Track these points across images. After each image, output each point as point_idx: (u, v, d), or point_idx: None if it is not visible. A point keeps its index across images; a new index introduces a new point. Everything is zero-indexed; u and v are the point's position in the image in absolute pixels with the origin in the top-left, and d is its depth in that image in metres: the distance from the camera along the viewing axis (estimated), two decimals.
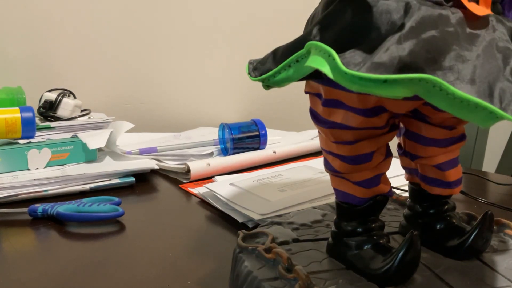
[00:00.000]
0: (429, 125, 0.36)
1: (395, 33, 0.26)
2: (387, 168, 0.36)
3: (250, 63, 0.34)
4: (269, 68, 0.31)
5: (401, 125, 0.38)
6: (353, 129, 0.33)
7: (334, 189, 0.37)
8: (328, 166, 0.36)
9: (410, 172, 0.40)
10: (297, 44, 0.30)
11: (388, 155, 0.36)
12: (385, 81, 0.23)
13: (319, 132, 0.36)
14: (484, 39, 0.27)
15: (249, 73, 0.33)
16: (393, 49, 0.25)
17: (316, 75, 0.28)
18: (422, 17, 0.26)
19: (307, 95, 0.36)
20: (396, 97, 0.24)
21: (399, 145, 0.40)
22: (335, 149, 0.35)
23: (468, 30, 0.27)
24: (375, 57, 0.25)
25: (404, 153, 0.39)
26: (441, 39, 0.26)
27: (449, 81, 0.25)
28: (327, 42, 0.27)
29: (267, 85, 0.32)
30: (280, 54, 0.31)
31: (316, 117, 0.35)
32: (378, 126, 0.33)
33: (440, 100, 0.24)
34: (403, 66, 0.24)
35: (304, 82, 0.35)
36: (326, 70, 0.25)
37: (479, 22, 0.28)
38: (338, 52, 0.25)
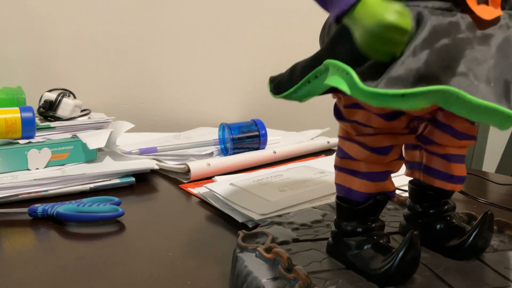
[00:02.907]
0: (453, 115, 0.36)
1: (409, 45, 0.26)
2: (397, 169, 0.36)
3: (271, 80, 0.34)
4: (290, 85, 0.32)
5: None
6: (374, 128, 0.34)
7: (337, 185, 0.37)
8: (342, 154, 0.36)
9: (412, 167, 0.40)
10: (315, 60, 0.30)
11: (401, 158, 0.36)
12: (403, 95, 0.24)
13: (339, 124, 0.37)
14: (498, 38, 0.28)
15: (271, 91, 0.34)
16: (408, 61, 0.25)
17: (336, 89, 0.29)
18: (433, 27, 0.27)
19: None
20: (415, 108, 0.24)
21: None
22: (356, 137, 0.35)
23: (480, 32, 0.28)
24: (391, 71, 0.25)
25: (418, 136, 0.39)
26: (454, 46, 0.26)
27: (465, 86, 0.25)
28: (343, 59, 0.27)
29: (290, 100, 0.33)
30: (299, 71, 0.32)
31: (338, 114, 0.36)
32: (398, 128, 0.34)
33: (458, 108, 0.24)
34: (420, 77, 0.25)
35: None
36: (345, 88, 0.26)
37: (491, 22, 0.28)
38: (354, 67, 0.26)
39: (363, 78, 0.25)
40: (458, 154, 0.37)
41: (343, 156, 0.36)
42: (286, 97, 0.32)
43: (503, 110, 0.24)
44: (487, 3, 0.29)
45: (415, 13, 0.27)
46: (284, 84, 0.33)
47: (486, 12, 0.29)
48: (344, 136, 0.36)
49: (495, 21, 0.29)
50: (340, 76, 0.26)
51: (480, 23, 0.28)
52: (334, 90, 0.30)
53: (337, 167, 0.37)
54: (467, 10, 0.28)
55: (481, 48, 0.27)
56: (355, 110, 0.34)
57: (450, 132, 0.36)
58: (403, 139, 0.35)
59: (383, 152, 0.35)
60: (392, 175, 0.36)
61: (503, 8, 0.30)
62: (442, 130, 0.37)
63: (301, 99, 0.32)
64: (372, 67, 0.27)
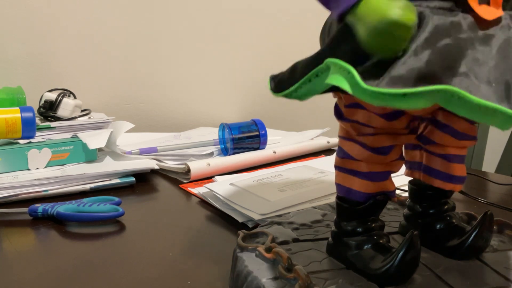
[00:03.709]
0: (454, 115, 0.36)
1: (411, 44, 0.26)
2: (397, 169, 0.36)
3: (271, 78, 0.34)
4: (291, 84, 0.32)
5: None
6: (374, 127, 0.34)
7: (337, 184, 0.37)
8: (342, 154, 0.36)
9: (411, 167, 0.40)
10: (316, 59, 0.30)
11: (401, 158, 0.36)
12: (404, 94, 0.24)
13: (340, 124, 0.37)
14: (499, 38, 0.28)
15: (271, 89, 0.34)
16: (410, 61, 0.25)
17: (337, 88, 0.29)
18: (435, 27, 0.27)
19: None
20: (417, 108, 0.24)
21: None
22: (356, 136, 0.35)
23: (481, 32, 0.28)
24: (393, 71, 0.25)
25: (418, 137, 0.39)
26: (456, 46, 0.26)
27: (466, 87, 0.25)
28: (345, 57, 0.27)
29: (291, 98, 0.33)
30: (301, 69, 0.32)
31: (339, 114, 0.36)
32: (398, 128, 0.34)
33: (459, 108, 0.24)
34: (421, 77, 0.25)
35: None
36: (346, 87, 0.26)
37: (492, 22, 0.28)
38: (356, 66, 0.26)
39: (365, 77, 0.25)
40: (458, 154, 0.37)
41: (343, 156, 0.36)
42: (286, 96, 0.32)
43: (504, 110, 0.24)
44: (488, 4, 0.29)
45: (417, 13, 0.27)
46: (285, 83, 0.32)
47: (488, 12, 0.29)
48: (345, 136, 0.36)
49: (497, 21, 0.29)
50: (342, 75, 0.26)
51: (482, 23, 0.28)
52: (335, 89, 0.30)
53: (337, 167, 0.37)
54: (469, 10, 0.28)
55: (482, 49, 0.27)
56: (355, 110, 0.34)
57: (450, 132, 0.36)
58: (403, 139, 0.35)
59: (384, 152, 0.35)
60: (392, 175, 0.36)
61: (504, 9, 0.30)
62: (443, 130, 0.37)
63: (301, 97, 0.31)
64: (374, 66, 0.27)
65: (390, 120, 0.34)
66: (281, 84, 0.33)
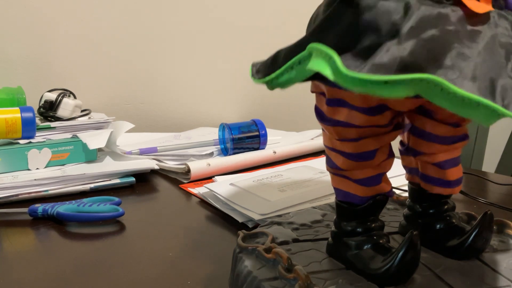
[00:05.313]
0: (434, 121, 0.36)
1: (396, 34, 0.26)
2: (389, 168, 0.36)
3: (253, 65, 0.34)
4: (272, 70, 0.31)
5: (407, 121, 0.38)
6: (357, 127, 0.33)
7: (334, 188, 0.37)
8: (330, 163, 0.36)
9: (410, 172, 0.40)
10: (299, 46, 0.30)
11: (391, 155, 0.36)
12: (386, 82, 0.23)
13: (323, 129, 0.36)
14: (485, 35, 0.27)
15: (252, 76, 0.33)
16: (393, 49, 0.25)
17: (319, 77, 0.28)
18: (421, 17, 0.26)
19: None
20: (398, 97, 0.24)
21: (401, 142, 0.40)
22: (339, 145, 0.35)
23: (469, 27, 0.27)
24: (376, 58, 0.25)
25: (406, 149, 0.39)
26: (442, 38, 0.26)
27: (450, 79, 0.25)
28: (328, 44, 0.27)
29: (271, 86, 0.33)
30: (283, 56, 0.31)
31: (320, 115, 0.35)
32: (381, 125, 0.34)
33: (442, 99, 0.24)
34: (404, 66, 0.24)
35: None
36: (328, 72, 0.25)
37: (480, 18, 0.28)
38: (339, 54, 0.25)
39: (347, 64, 0.25)
40: (451, 158, 0.37)
41: (332, 166, 0.36)
42: (267, 83, 0.31)
43: (487, 103, 0.23)
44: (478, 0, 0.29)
45: (404, 3, 0.27)
46: (266, 70, 0.32)
47: (478, 6, 0.28)
48: (329, 146, 0.36)
49: (485, 17, 0.28)
50: (324, 60, 0.26)
51: (471, 17, 0.28)
52: (316, 78, 0.29)
53: (330, 172, 0.37)
54: (459, 3, 0.28)
55: (469, 44, 0.26)
56: (338, 108, 0.33)
57: (436, 139, 0.36)
58: (386, 138, 0.35)
59: (368, 157, 0.34)
60: (392, 175, 0.36)
61: (492, 7, 0.30)
62: (428, 139, 0.36)
63: (282, 85, 0.31)
64: (357, 54, 0.26)
65: (373, 115, 0.33)
66: (262, 71, 0.32)
